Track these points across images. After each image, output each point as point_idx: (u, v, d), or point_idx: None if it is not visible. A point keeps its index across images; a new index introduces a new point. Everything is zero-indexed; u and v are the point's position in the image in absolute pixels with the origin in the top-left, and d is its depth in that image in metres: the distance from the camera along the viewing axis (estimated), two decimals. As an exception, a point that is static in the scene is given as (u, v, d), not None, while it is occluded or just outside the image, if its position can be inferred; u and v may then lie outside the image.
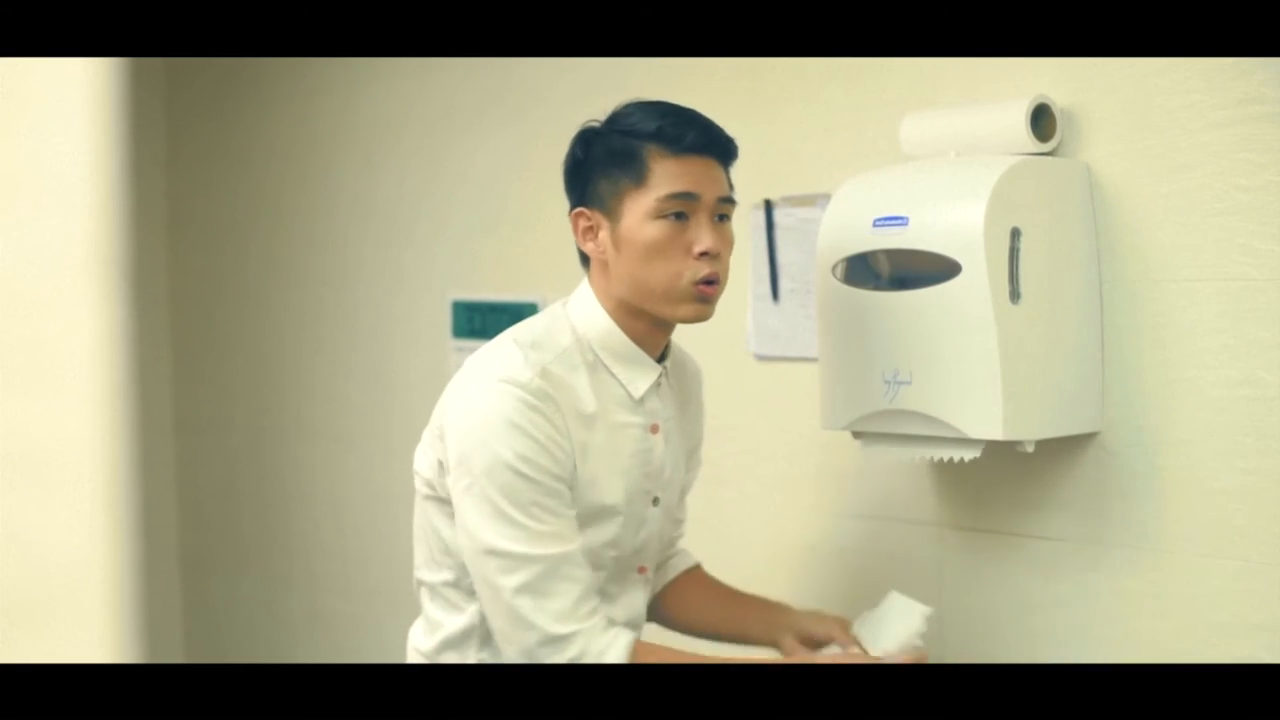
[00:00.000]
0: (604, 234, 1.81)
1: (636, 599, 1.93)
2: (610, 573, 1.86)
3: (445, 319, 3.06)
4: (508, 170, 2.94)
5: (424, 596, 1.92)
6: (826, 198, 2.15)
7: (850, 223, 2.00)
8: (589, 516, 1.80)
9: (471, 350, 1.92)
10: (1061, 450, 2.00)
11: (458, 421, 1.77)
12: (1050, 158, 1.96)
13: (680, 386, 1.99)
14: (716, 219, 1.82)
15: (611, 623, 1.78)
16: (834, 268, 2.02)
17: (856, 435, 2.06)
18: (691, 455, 2.04)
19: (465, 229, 3.05)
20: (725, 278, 1.83)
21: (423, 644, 1.92)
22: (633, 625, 1.91)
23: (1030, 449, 1.90)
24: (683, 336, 2.57)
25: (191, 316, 3.82)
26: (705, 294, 1.80)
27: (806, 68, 2.32)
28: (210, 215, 3.74)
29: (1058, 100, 1.97)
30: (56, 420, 0.65)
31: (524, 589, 1.72)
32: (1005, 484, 2.09)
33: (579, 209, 1.84)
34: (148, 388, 3.73)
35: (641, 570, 1.92)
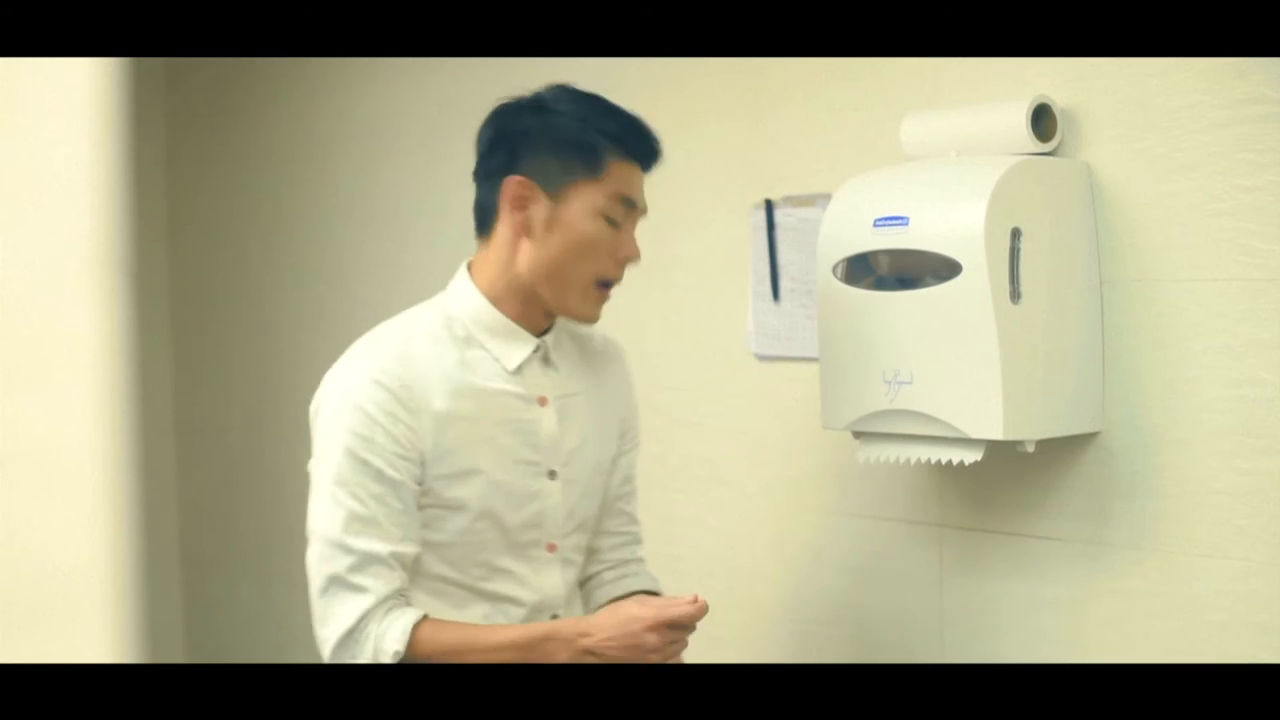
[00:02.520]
0: (538, 210, 1.82)
1: (550, 580, 1.91)
2: (505, 549, 1.86)
3: (445, 319, 3.05)
4: (508, 170, 2.94)
5: None
6: (826, 198, 2.15)
7: (850, 223, 2.00)
8: (451, 480, 1.80)
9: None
10: (1062, 450, 1.99)
11: (314, 408, 1.83)
12: (1051, 158, 1.96)
13: (593, 363, 1.99)
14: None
15: (402, 604, 1.78)
16: (834, 268, 2.02)
17: (856, 435, 2.06)
18: (625, 436, 2.03)
19: (465, 229, 3.04)
20: None
21: None
22: (547, 606, 1.91)
23: (1030, 449, 1.90)
24: (684, 335, 2.57)
25: (191, 316, 3.82)
26: (604, 296, 1.87)
27: (806, 68, 2.32)
28: (210, 215, 3.74)
29: (1058, 100, 1.97)
30: (56, 420, 0.65)
31: (333, 580, 1.75)
32: (1005, 484, 2.09)
33: (520, 178, 1.82)
34: (148, 388, 3.73)
35: (551, 548, 1.90)
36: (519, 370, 1.86)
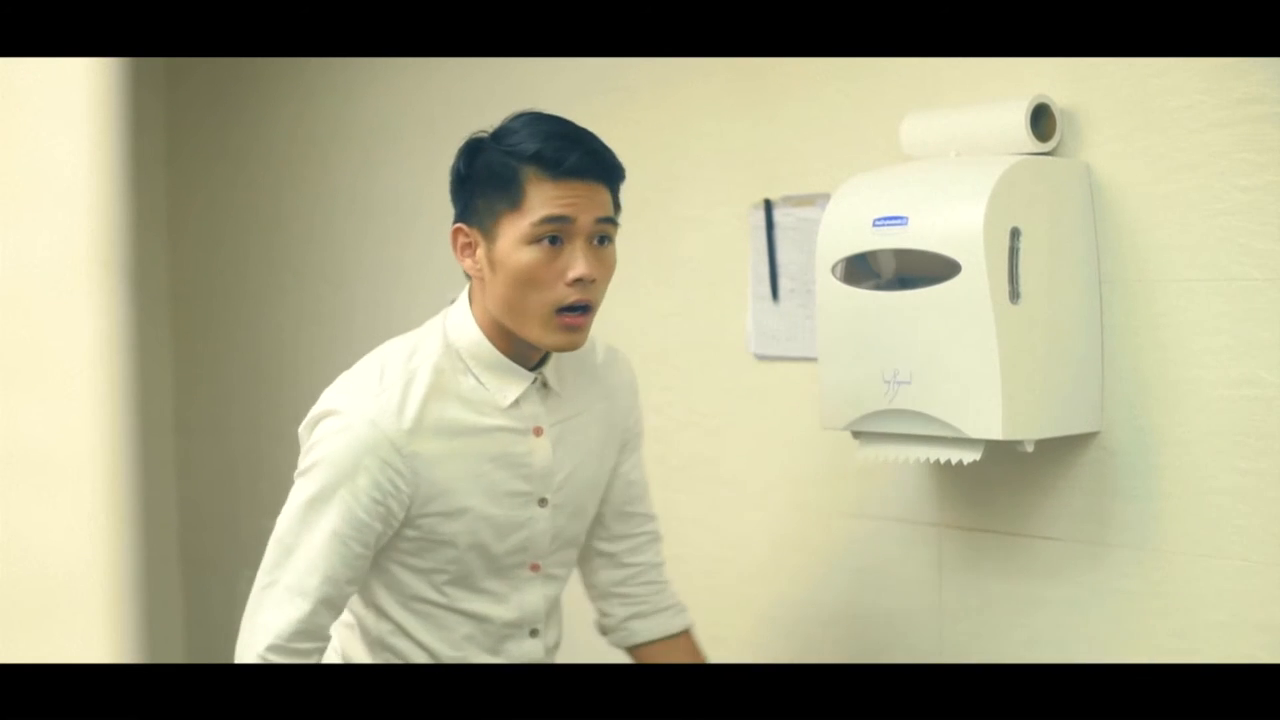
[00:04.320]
0: (480, 252, 1.79)
1: (530, 597, 1.93)
2: (490, 573, 1.88)
3: (445, 319, 3.05)
4: (508, 170, 2.94)
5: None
6: (826, 198, 2.15)
7: (850, 223, 2.00)
8: (442, 518, 1.82)
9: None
10: (1061, 450, 1.99)
11: (310, 430, 1.88)
12: (1050, 158, 1.96)
13: (595, 378, 1.98)
14: (596, 242, 1.78)
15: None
16: (834, 268, 2.02)
17: (856, 435, 2.06)
18: (626, 445, 2.04)
19: (465, 229, 3.05)
20: (599, 303, 1.80)
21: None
22: (527, 622, 1.93)
23: (1030, 449, 1.90)
24: (684, 335, 2.57)
25: (191, 316, 3.82)
26: (571, 324, 1.77)
27: (806, 68, 2.32)
28: (210, 215, 3.74)
29: (1058, 100, 1.97)
30: (56, 420, 0.65)
31: (268, 588, 1.83)
32: (1005, 484, 2.09)
33: (458, 225, 1.82)
34: (148, 388, 3.73)
35: (534, 568, 1.92)
36: (516, 403, 1.85)
